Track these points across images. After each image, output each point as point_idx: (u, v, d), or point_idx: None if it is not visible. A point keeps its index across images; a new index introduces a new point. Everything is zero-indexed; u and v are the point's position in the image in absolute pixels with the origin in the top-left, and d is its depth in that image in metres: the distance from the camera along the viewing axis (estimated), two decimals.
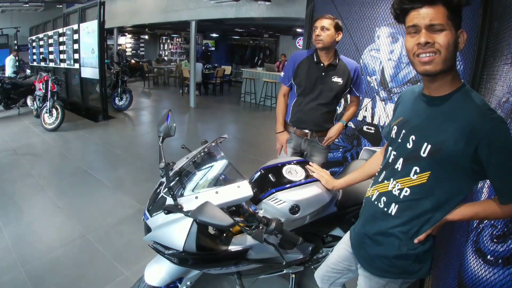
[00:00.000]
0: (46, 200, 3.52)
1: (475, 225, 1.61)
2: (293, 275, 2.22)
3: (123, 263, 2.56)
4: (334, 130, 2.51)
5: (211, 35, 15.96)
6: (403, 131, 1.16)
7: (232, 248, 1.54)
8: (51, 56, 8.26)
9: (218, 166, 1.53)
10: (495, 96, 1.95)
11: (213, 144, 1.67)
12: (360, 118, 3.23)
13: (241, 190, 1.45)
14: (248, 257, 1.62)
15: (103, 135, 6.14)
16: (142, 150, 5.63)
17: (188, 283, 1.87)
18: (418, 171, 1.10)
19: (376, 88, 3.08)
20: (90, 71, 6.84)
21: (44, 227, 3.04)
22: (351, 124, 3.28)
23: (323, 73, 2.38)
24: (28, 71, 9.22)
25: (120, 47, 15.02)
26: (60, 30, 7.63)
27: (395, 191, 1.18)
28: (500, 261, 1.20)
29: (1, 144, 5.23)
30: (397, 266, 1.24)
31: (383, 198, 1.22)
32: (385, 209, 1.21)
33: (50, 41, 8.22)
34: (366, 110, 3.19)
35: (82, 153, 5.13)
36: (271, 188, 1.66)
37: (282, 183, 1.70)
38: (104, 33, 6.69)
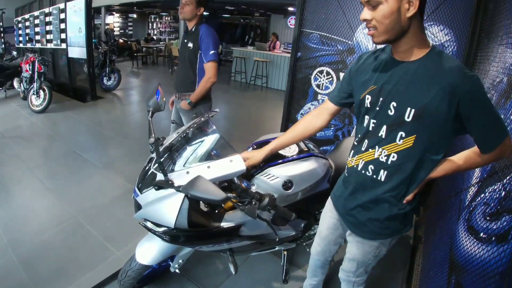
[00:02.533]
0: (36, 182, 3.47)
1: (467, 203, 1.64)
2: (285, 252, 2.23)
3: (114, 243, 2.55)
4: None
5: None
6: (381, 98, 1.16)
7: (225, 224, 1.52)
8: (37, 37, 8.03)
9: (209, 140, 1.49)
10: (489, 77, 1.96)
11: (204, 118, 1.63)
12: None
13: (234, 164, 1.42)
14: (240, 234, 1.61)
15: (92, 115, 6.04)
16: (132, 130, 5.57)
17: (180, 261, 1.87)
18: (403, 135, 1.13)
19: None
20: (77, 51, 6.68)
21: (34, 209, 3.01)
22: None
23: (185, 40, 2.75)
24: (14, 53, 8.97)
25: (107, 27, 14.62)
26: (46, 10, 7.38)
27: (382, 158, 1.20)
28: (493, 238, 1.21)
29: None
30: (388, 227, 1.31)
31: (370, 166, 1.24)
32: (374, 176, 1.24)
33: (36, 21, 7.97)
34: None
35: (70, 134, 5.04)
36: (264, 163, 1.62)
37: (275, 158, 1.67)
38: (92, 12, 6.50)
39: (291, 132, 1.53)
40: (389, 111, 1.14)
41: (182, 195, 1.36)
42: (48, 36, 7.52)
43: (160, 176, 1.43)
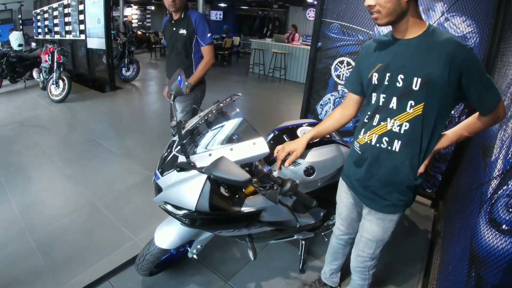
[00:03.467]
0: (54, 169, 3.53)
1: (488, 196, 1.60)
2: (303, 242, 2.22)
3: (131, 229, 2.57)
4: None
5: (219, 5, 15.55)
6: (388, 74, 1.27)
7: (245, 209, 1.50)
8: (56, 29, 8.14)
9: (233, 123, 1.47)
10: None
11: (227, 101, 1.61)
12: None
13: (257, 147, 1.40)
14: (261, 219, 1.59)
15: (111, 105, 6.12)
16: (150, 119, 5.61)
17: (198, 246, 1.87)
18: (413, 104, 1.23)
19: None
20: (96, 42, 6.75)
21: (52, 195, 3.06)
22: None
23: (173, 28, 2.75)
24: (33, 44, 9.13)
25: (126, 19, 14.74)
26: (65, 2, 7.47)
27: (395, 128, 1.29)
28: None
29: (8, 116, 5.22)
30: (404, 199, 1.40)
31: (385, 138, 1.32)
32: (389, 147, 1.32)
33: (55, 13, 8.07)
34: None
35: (89, 123, 5.11)
36: None
37: None
38: (110, 2, 6.54)
39: (328, 121, 1.61)
40: (397, 83, 1.25)
41: (204, 177, 1.35)
42: (67, 28, 7.61)
43: (182, 159, 1.43)
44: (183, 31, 2.69)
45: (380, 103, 1.31)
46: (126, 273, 2.14)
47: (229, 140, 1.45)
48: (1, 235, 2.46)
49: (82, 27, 7.00)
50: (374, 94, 1.34)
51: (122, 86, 7.29)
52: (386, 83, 1.28)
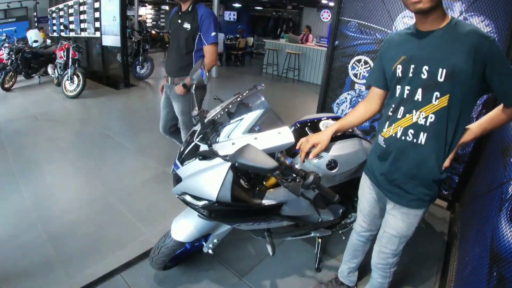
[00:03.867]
0: (68, 163, 3.56)
1: (509, 195, 1.59)
2: (319, 240, 2.19)
3: (145, 223, 2.57)
4: None
5: (233, 5, 15.60)
6: (412, 65, 1.26)
7: (266, 202, 1.47)
8: (71, 26, 8.24)
9: (257, 112, 1.44)
10: None
11: (250, 91, 1.59)
12: None
13: (282, 136, 1.37)
14: (281, 213, 1.56)
15: (125, 101, 6.16)
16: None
17: (215, 240, 1.85)
18: (438, 96, 1.22)
19: None
20: (111, 39, 6.82)
21: (65, 188, 3.07)
22: None
23: (179, 21, 2.58)
24: (48, 41, 9.26)
25: (140, 18, 14.88)
26: (81, 0, 7.57)
27: (420, 120, 1.28)
28: None
29: (23, 111, 5.28)
30: (429, 193, 1.38)
31: (410, 131, 1.31)
32: (415, 140, 1.30)
33: (71, 11, 8.18)
34: None
35: (103, 118, 5.15)
36: None
37: None
38: (126, 1, 6.60)
39: (352, 115, 1.61)
40: (422, 75, 1.24)
41: (226, 166, 1.33)
42: (82, 25, 7.71)
43: (203, 148, 1.41)
44: (187, 26, 2.52)
45: (405, 95, 1.31)
46: (138, 267, 2.13)
47: (251, 130, 1.43)
48: (13, 226, 2.47)
49: (97, 24, 7.07)
50: (398, 87, 1.33)
51: (136, 83, 7.34)
52: (410, 75, 1.27)
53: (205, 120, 1.50)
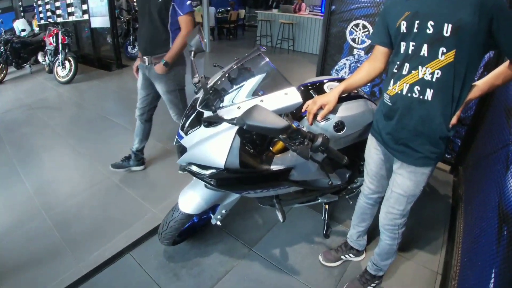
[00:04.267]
0: (67, 147, 3.52)
1: None
2: (326, 206, 2.20)
3: (150, 201, 2.57)
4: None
5: None
6: (417, 21, 1.24)
7: (274, 167, 1.44)
8: (58, 12, 7.98)
9: (261, 74, 1.40)
10: None
11: (251, 54, 1.53)
12: None
13: (289, 96, 1.33)
14: (290, 178, 1.54)
15: (119, 82, 6.05)
16: None
17: (223, 211, 1.84)
18: (444, 51, 1.20)
19: None
20: (100, 20, 6.64)
21: (66, 173, 3.04)
22: None
23: None
24: (36, 29, 9.02)
25: None
26: None
27: (427, 76, 1.26)
28: None
29: (16, 101, 5.17)
30: (436, 151, 1.38)
31: (416, 87, 1.29)
32: (421, 96, 1.29)
33: None
34: None
35: (98, 101, 5.06)
36: None
37: None
38: None
39: (357, 74, 1.57)
40: (427, 30, 1.22)
41: (232, 132, 1.30)
42: (69, 9, 7.48)
43: (208, 114, 1.37)
44: None
45: (410, 52, 1.29)
46: (147, 244, 2.15)
47: (254, 94, 1.39)
48: (17, 214, 2.46)
49: (84, 7, 6.88)
50: (403, 43, 1.31)
51: (128, 63, 7.18)
52: (415, 30, 1.25)
53: (208, 86, 1.45)
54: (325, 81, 1.82)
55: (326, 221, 2.21)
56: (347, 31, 3.21)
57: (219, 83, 1.50)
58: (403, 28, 1.29)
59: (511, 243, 1.26)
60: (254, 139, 1.47)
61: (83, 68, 6.83)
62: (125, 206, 2.53)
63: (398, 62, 1.35)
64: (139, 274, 1.93)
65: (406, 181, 1.46)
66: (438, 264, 2.06)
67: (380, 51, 1.50)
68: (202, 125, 1.37)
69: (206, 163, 1.38)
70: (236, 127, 1.29)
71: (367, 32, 3.08)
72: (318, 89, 1.72)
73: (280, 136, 1.20)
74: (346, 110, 1.61)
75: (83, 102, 4.98)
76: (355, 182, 2.10)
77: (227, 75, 1.52)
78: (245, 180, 1.47)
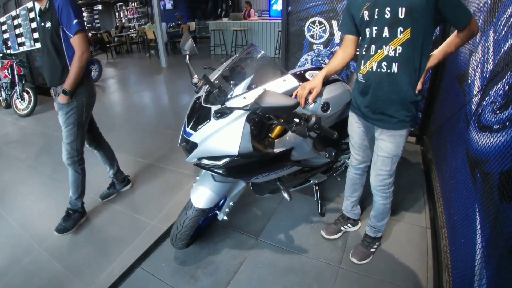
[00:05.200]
0: (44, 178, 3.38)
1: (473, 111, 1.84)
2: (317, 187, 2.40)
3: (146, 214, 2.58)
4: None
5: None
6: (376, 9, 1.48)
7: (277, 150, 1.62)
8: (8, 43, 7.62)
9: (261, 64, 1.60)
10: (473, 5, 2.22)
11: (245, 50, 1.74)
12: None
13: (288, 82, 1.56)
14: (292, 158, 1.73)
15: None
16: (129, 112, 5.53)
17: (231, 203, 1.97)
18: (402, 30, 1.44)
19: None
20: None
21: (50, 203, 2.91)
22: (337, 49, 3.33)
23: (42, 24, 2.20)
24: None
25: None
26: (13, 13, 6.99)
27: (390, 53, 1.49)
28: (507, 123, 1.37)
29: None
30: (409, 115, 1.60)
31: (384, 63, 1.52)
32: (388, 70, 1.52)
33: (4, 27, 7.53)
34: None
35: None
36: None
37: None
38: None
39: (334, 61, 1.81)
40: (385, 15, 1.45)
41: (242, 120, 1.44)
42: (19, 40, 7.17)
43: (215, 108, 1.51)
44: (48, 24, 2.15)
45: (374, 35, 1.52)
46: (155, 255, 2.17)
47: (248, 87, 1.57)
48: (9, 252, 2.33)
49: (36, 35, 6.60)
50: (367, 29, 1.55)
51: None
52: (376, 17, 1.49)
53: (205, 87, 1.60)
54: (305, 70, 2.03)
55: (319, 201, 2.41)
56: (305, 29, 3.44)
57: (217, 81, 1.66)
58: (366, 16, 1.52)
59: (485, 181, 1.48)
60: (252, 129, 1.60)
61: (41, 99, 6.51)
62: (122, 224, 2.50)
63: (365, 46, 1.59)
64: (156, 284, 1.96)
65: (388, 144, 1.68)
66: (425, 220, 2.32)
67: (350, 39, 1.74)
68: (212, 118, 1.50)
69: (219, 153, 1.51)
70: (245, 116, 1.44)
71: (323, 28, 3.32)
72: (301, 77, 1.92)
73: (281, 120, 1.39)
74: (329, 92, 1.85)
75: (50, 132, 4.82)
76: (339, 161, 2.36)
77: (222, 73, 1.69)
78: (254, 165, 1.62)
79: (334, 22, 3.26)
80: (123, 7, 18.17)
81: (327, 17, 3.28)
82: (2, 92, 6.16)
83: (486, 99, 1.68)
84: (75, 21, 2.11)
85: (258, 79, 1.66)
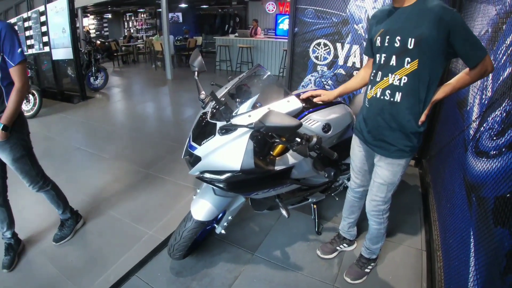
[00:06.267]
0: None
1: (471, 137, 1.90)
2: (315, 206, 2.43)
3: (144, 224, 2.59)
4: None
5: (179, 6, 15.40)
6: (387, 37, 1.51)
7: (278, 167, 1.66)
8: None
9: (266, 84, 1.67)
10: (475, 31, 2.22)
11: (252, 70, 1.82)
12: (350, 64, 3.38)
13: (291, 103, 1.61)
14: (292, 177, 1.78)
15: (86, 114, 5.98)
16: (132, 122, 5.56)
17: (229, 217, 2.01)
18: (409, 60, 1.45)
19: (363, 35, 3.21)
20: (62, 52, 6.52)
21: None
22: (341, 71, 3.43)
23: None
24: None
25: (84, 29, 14.33)
26: (25, 15, 7.13)
27: (395, 82, 1.51)
28: (504, 149, 1.43)
29: None
30: (409, 145, 1.60)
31: (387, 91, 1.55)
32: (391, 99, 1.54)
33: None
34: (355, 56, 3.33)
35: (68, 133, 4.98)
36: (304, 110, 1.82)
37: (313, 106, 1.89)
38: (75, 10, 6.36)
39: (354, 80, 1.92)
40: (395, 44, 1.48)
41: (246, 137, 1.49)
42: (28, 42, 7.27)
43: (220, 124, 1.56)
44: None
45: (382, 62, 1.55)
46: (151, 264, 2.18)
47: (253, 106, 1.63)
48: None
49: (45, 39, 6.72)
50: (377, 55, 1.58)
51: (92, 95, 7.12)
52: (386, 44, 1.52)
53: (212, 103, 1.66)
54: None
55: (316, 220, 2.44)
56: (310, 50, 3.54)
57: (224, 98, 1.72)
58: (378, 42, 1.56)
59: (481, 205, 1.52)
60: (254, 146, 1.64)
61: (46, 102, 6.58)
62: (120, 232, 2.51)
63: (374, 71, 1.62)
64: None
65: (384, 172, 1.70)
66: (420, 242, 2.36)
67: (371, 61, 1.77)
68: (217, 134, 1.55)
69: (222, 168, 1.56)
70: (248, 133, 1.49)
71: (328, 50, 3.42)
72: (304, 98, 1.96)
73: (283, 139, 1.44)
74: (331, 114, 1.91)
75: (53, 135, 4.85)
76: (337, 181, 2.41)
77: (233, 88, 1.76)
78: (255, 181, 1.66)
79: (338, 45, 3.36)
80: (133, 18, 18.48)
81: (332, 39, 3.38)
82: None
83: (484, 125, 1.74)
84: (19, 50, 1.96)
85: (263, 98, 1.72)
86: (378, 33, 1.56)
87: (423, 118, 1.54)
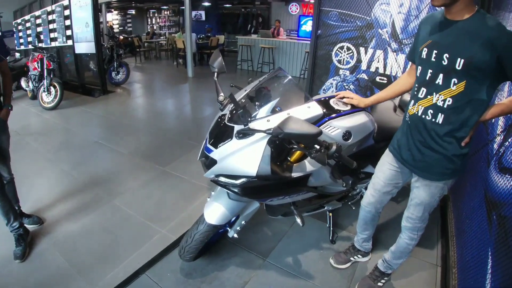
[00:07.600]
0: (61, 173, 3.42)
1: (495, 151, 1.83)
2: (330, 214, 2.37)
3: (156, 222, 2.59)
4: None
5: (203, 4, 15.52)
6: (435, 51, 1.38)
7: (295, 174, 1.61)
8: (41, 37, 7.92)
9: (286, 88, 1.62)
10: None
11: (272, 74, 1.77)
12: (373, 69, 3.29)
13: (312, 109, 1.57)
14: (308, 184, 1.72)
15: (106, 108, 6.06)
16: (151, 118, 5.60)
17: (243, 222, 1.97)
18: (456, 82, 1.33)
19: (388, 40, 3.12)
20: (85, 46, 6.66)
21: (64, 199, 2.95)
22: (363, 76, 3.35)
23: None
24: (17, 55, 8.88)
25: (107, 24, 14.61)
26: (49, 8, 7.32)
27: (439, 102, 1.40)
28: None
29: None
30: (450, 167, 1.49)
31: (430, 111, 1.44)
32: (433, 119, 1.44)
33: (38, 21, 7.84)
34: (378, 62, 3.25)
35: (88, 126, 5.07)
36: (325, 116, 1.75)
37: (334, 112, 1.81)
38: (98, 5, 6.46)
39: (392, 87, 1.82)
40: (443, 61, 1.35)
41: (263, 142, 1.46)
42: (52, 35, 7.45)
43: (237, 128, 1.53)
44: None
45: (427, 78, 1.43)
46: (161, 264, 2.17)
47: (273, 110, 1.58)
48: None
49: (68, 32, 6.87)
50: (420, 67, 1.47)
51: (113, 90, 7.22)
52: (433, 59, 1.39)
53: (230, 106, 1.62)
54: (329, 97, 2.01)
55: (331, 228, 2.38)
56: (333, 53, 3.46)
57: (243, 100, 1.69)
58: (424, 54, 1.43)
59: (501, 225, 1.45)
60: (271, 151, 1.61)
61: (67, 95, 6.73)
62: (132, 229, 2.52)
63: (417, 85, 1.50)
64: None
65: (421, 193, 1.61)
66: (436, 257, 2.26)
67: (413, 68, 1.67)
68: (234, 138, 1.52)
69: (238, 172, 1.52)
70: (266, 138, 1.46)
71: (351, 54, 3.34)
72: (325, 103, 1.89)
73: (301, 146, 1.40)
74: (352, 121, 1.83)
75: (72, 128, 4.96)
76: (355, 189, 2.32)
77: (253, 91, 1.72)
78: (271, 187, 1.62)
79: (362, 49, 3.28)
80: (156, 14, 18.73)
81: (355, 43, 3.30)
82: (30, 83, 6.37)
83: (509, 140, 1.66)
84: (6, 47, 2.21)
85: (283, 102, 1.67)
86: (425, 43, 1.44)
87: (467, 139, 1.43)
